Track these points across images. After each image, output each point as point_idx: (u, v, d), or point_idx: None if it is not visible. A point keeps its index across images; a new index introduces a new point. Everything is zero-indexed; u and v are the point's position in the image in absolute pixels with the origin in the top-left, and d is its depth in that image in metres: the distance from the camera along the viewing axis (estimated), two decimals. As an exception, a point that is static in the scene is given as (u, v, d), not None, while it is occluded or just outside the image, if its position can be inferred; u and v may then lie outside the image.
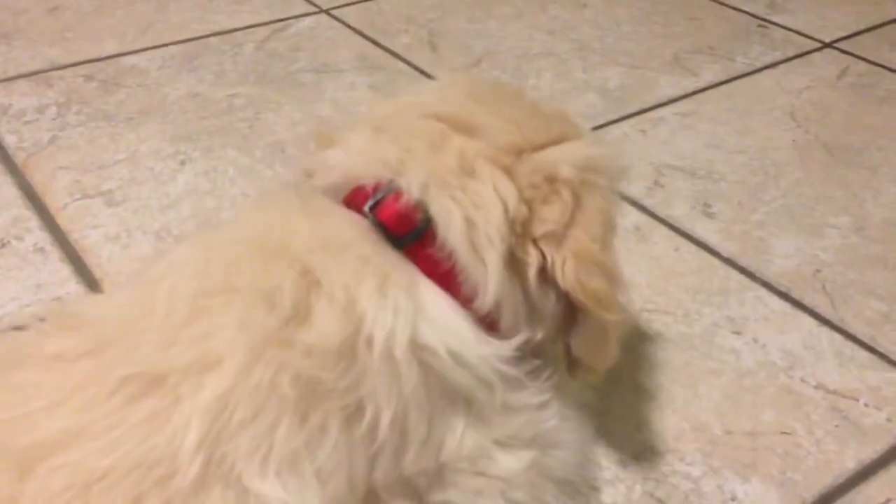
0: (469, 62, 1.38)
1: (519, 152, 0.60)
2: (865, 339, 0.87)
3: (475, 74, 1.33)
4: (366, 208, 0.58)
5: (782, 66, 1.40)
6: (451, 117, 0.62)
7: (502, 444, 0.58)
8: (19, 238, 0.95)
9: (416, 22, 1.51)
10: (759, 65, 1.40)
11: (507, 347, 0.58)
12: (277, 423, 0.49)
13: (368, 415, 0.52)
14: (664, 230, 1.01)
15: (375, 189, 0.59)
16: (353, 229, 0.57)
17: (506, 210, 0.58)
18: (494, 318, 0.59)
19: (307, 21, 1.49)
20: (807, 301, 0.92)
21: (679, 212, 1.05)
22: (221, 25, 1.46)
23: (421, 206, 0.58)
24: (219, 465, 0.47)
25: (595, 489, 0.71)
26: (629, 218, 1.02)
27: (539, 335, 0.62)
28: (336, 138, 0.66)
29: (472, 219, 0.57)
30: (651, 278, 0.94)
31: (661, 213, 1.04)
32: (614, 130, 1.21)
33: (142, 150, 1.12)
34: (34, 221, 0.98)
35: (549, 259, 0.59)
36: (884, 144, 1.20)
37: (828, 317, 0.90)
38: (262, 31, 1.44)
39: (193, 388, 0.48)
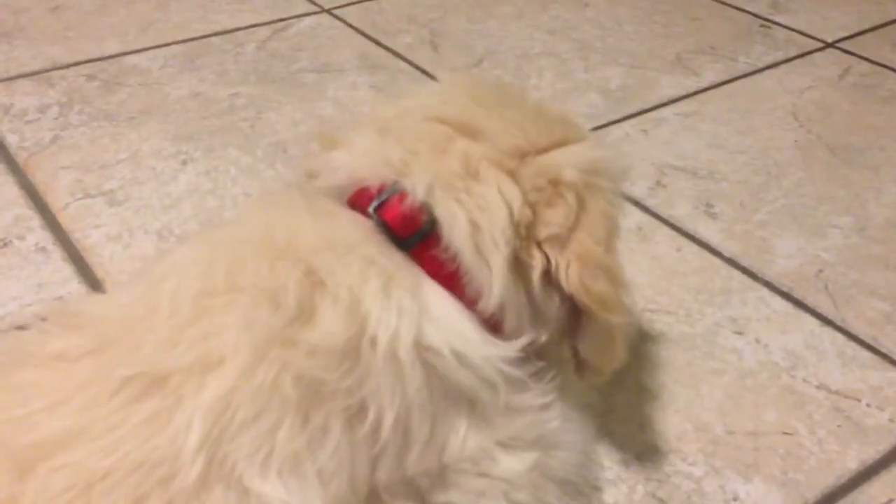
0: (470, 62, 1.38)
1: (522, 155, 0.61)
2: (868, 340, 0.87)
3: (477, 75, 1.33)
4: (370, 209, 0.58)
5: (784, 66, 1.40)
6: (454, 120, 0.62)
7: (505, 445, 0.58)
8: (21, 237, 0.95)
9: (417, 21, 1.50)
10: (761, 65, 1.40)
11: (512, 349, 0.58)
12: (279, 423, 0.49)
13: (371, 415, 0.52)
14: (666, 230, 1.01)
15: (380, 190, 0.59)
16: (358, 230, 0.57)
17: (510, 213, 0.58)
18: (498, 320, 0.59)
19: (308, 21, 1.49)
20: (809, 301, 0.91)
21: (681, 212, 1.05)
22: (223, 25, 1.46)
23: (426, 208, 0.58)
24: (220, 466, 0.47)
25: (597, 489, 0.71)
26: (631, 218, 1.02)
27: (543, 337, 0.62)
28: (339, 140, 0.66)
29: (476, 221, 0.57)
30: (653, 278, 0.94)
31: (663, 213, 1.04)
32: (616, 130, 1.21)
33: (143, 150, 1.12)
34: (36, 221, 0.98)
35: (553, 262, 0.59)
36: (886, 144, 1.19)
37: (830, 317, 0.89)
38: (263, 31, 1.44)
39: (195, 388, 0.48)
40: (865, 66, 1.41)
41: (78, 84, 1.26)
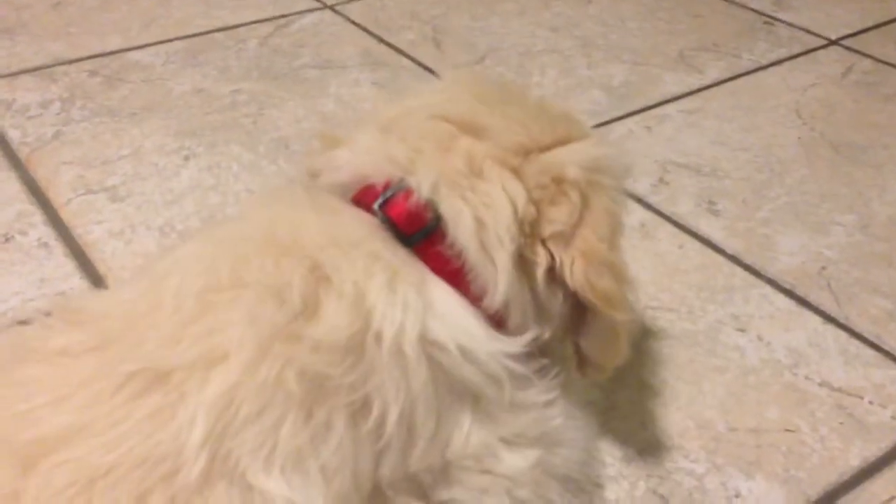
0: (473, 59, 1.38)
1: (526, 153, 0.61)
2: (870, 337, 0.87)
3: (479, 72, 1.33)
4: (375, 206, 0.58)
5: (788, 64, 1.40)
6: (458, 118, 0.62)
7: (508, 442, 0.58)
8: (23, 233, 0.95)
9: (419, 18, 1.50)
10: (764, 62, 1.40)
11: (517, 344, 0.58)
12: (283, 419, 0.49)
13: (375, 411, 0.52)
14: (669, 227, 1.01)
15: (385, 187, 0.59)
16: (363, 227, 0.57)
17: (515, 210, 0.58)
18: (503, 316, 0.59)
19: (311, 17, 1.49)
20: (812, 298, 0.91)
21: (684, 209, 1.04)
22: (225, 21, 1.46)
23: (431, 205, 0.58)
24: (224, 462, 0.47)
25: (599, 486, 0.71)
26: (634, 215, 1.02)
27: (547, 334, 0.62)
28: (342, 138, 0.66)
29: (481, 219, 0.57)
30: (655, 275, 0.93)
31: (666, 210, 1.04)
32: (619, 127, 1.21)
33: (146, 146, 1.11)
34: (38, 216, 0.98)
35: (557, 259, 0.59)
36: (889, 142, 1.19)
37: (833, 314, 0.89)
38: (265, 27, 1.44)
39: (199, 384, 0.48)
40: (869, 63, 1.40)
41: (80, 80, 1.26)
